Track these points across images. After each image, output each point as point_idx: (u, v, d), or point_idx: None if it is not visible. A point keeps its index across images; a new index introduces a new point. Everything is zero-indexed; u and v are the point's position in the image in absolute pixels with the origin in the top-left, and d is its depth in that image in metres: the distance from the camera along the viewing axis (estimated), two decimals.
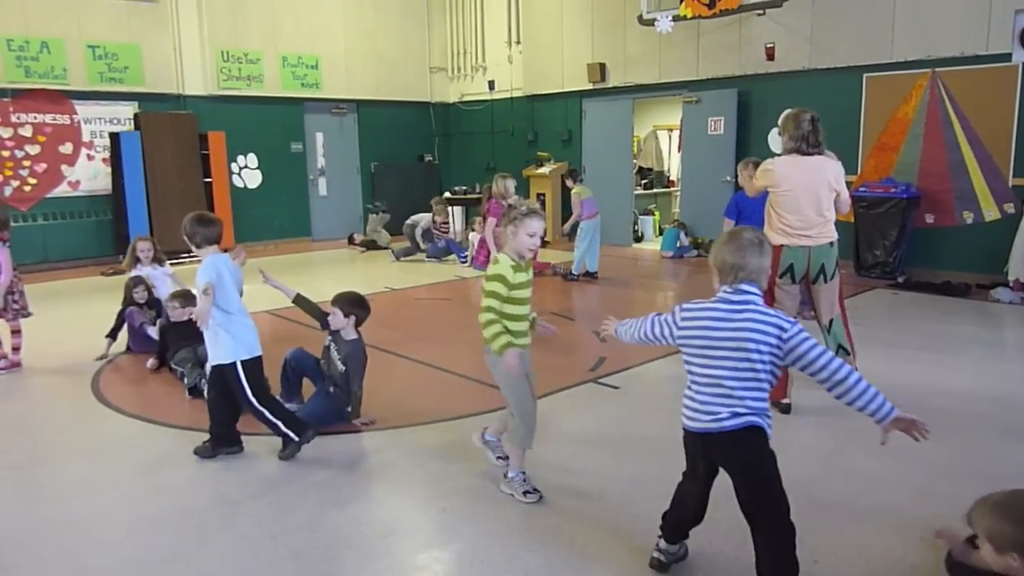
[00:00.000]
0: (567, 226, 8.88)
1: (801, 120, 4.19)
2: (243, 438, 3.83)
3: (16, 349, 5.42)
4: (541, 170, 12.03)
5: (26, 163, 9.95)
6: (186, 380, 4.75)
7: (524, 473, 3.28)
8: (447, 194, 12.62)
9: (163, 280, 6.03)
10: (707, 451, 2.41)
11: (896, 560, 2.73)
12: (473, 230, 10.27)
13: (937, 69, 8.13)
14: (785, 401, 4.25)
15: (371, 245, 11.73)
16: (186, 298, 5.31)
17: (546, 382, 4.33)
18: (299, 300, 4.10)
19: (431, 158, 14.12)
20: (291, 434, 3.70)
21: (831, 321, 4.35)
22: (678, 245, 10.42)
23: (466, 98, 13.93)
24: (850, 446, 3.77)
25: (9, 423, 4.43)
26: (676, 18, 9.42)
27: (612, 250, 10.52)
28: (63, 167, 10.28)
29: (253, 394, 3.66)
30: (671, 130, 13.34)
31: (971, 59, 7.88)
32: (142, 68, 10.76)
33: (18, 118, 9.84)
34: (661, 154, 13.91)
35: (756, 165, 6.22)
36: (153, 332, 5.45)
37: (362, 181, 13.39)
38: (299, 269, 10.07)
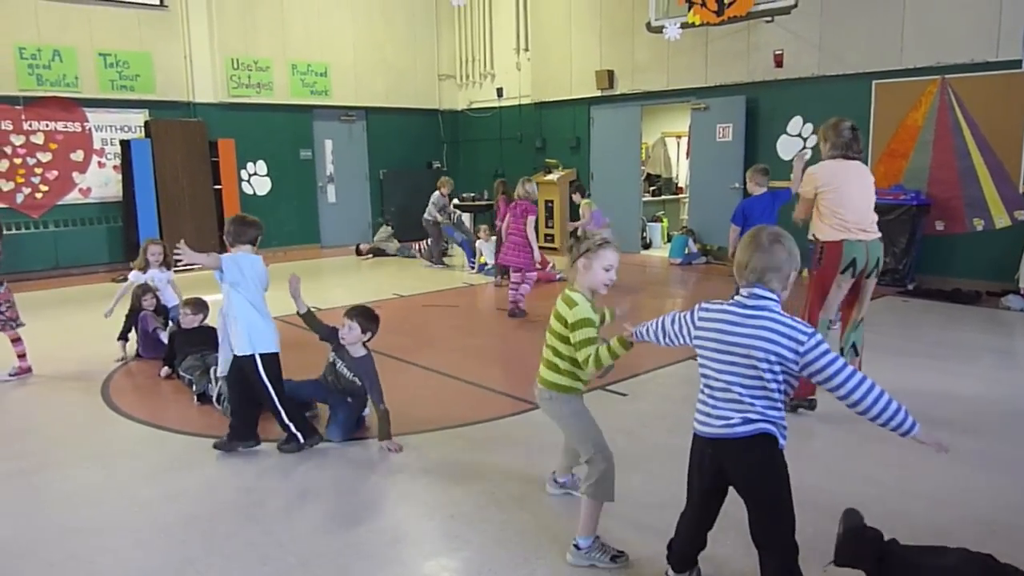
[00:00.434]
0: (574, 226, 8.83)
1: (842, 128, 4.28)
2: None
3: (22, 356, 5.37)
4: (549, 177, 12.03)
5: (38, 170, 10.02)
6: (194, 387, 4.76)
7: (599, 537, 2.75)
8: (456, 200, 12.63)
9: (164, 285, 6.07)
10: (717, 458, 2.31)
11: None
12: (479, 238, 10.28)
13: (947, 76, 8.10)
14: (811, 397, 4.30)
15: (378, 252, 11.79)
16: (197, 306, 5.37)
17: None
18: (307, 316, 4.10)
19: (439, 165, 14.16)
20: (299, 435, 3.85)
21: (862, 319, 4.40)
22: (686, 252, 10.41)
23: (475, 105, 13.97)
24: (862, 453, 3.74)
25: (19, 428, 4.45)
26: (684, 25, 9.40)
27: (620, 257, 10.45)
28: (74, 174, 10.36)
29: (272, 387, 3.78)
30: (679, 137, 13.32)
31: (981, 66, 7.85)
32: (153, 76, 10.85)
33: (30, 126, 9.92)
34: (669, 161, 13.89)
35: (765, 172, 6.26)
36: (164, 337, 5.52)
37: (371, 188, 13.44)
38: (308, 276, 9.94)
